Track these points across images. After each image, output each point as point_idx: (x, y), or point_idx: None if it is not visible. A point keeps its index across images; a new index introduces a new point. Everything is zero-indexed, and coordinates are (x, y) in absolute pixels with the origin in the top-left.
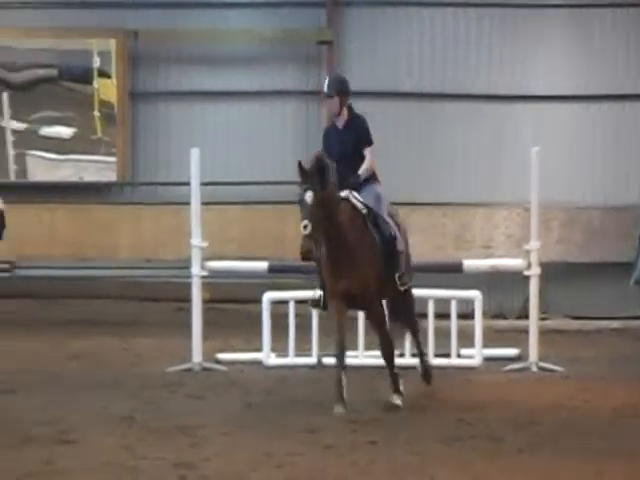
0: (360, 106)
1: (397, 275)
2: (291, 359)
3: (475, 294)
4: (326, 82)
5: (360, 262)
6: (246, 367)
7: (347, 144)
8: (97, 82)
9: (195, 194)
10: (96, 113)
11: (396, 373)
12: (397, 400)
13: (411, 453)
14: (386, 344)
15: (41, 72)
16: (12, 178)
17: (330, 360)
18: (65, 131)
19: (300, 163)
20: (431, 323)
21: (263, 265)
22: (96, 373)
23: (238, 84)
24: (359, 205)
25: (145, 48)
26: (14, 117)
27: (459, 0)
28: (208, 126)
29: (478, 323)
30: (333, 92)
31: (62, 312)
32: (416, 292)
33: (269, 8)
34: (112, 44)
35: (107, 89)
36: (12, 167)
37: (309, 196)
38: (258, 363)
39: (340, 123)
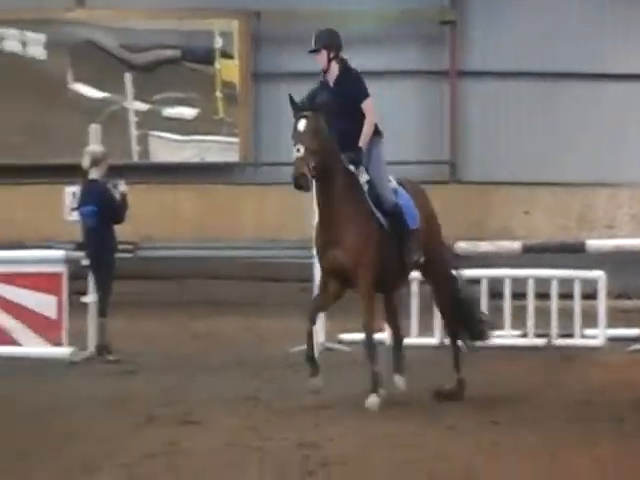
0: (484, 86)
1: (411, 258)
2: (414, 340)
3: (599, 274)
4: (313, 36)
5: (351, 231)
6: None
7: (340, 101)
8: (219, 63)
9: None
10: (218, 94)
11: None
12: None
13: (534, 433)
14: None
15: (164, 53)
16: (135, 159)
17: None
18: (188, 112)
19: (291, 96)
20: (554, 303)
21: None
22: (219, 353)
23: (360, 64)
24: (361, 178)
25: (267, 29)
26: (137, 98)
27: None
28: None
29: (602, 303)
30: (319, 45)
31: (185, 293)
32: (540, 272)
33: None
34: (234, 25)
35: (229, 70)
36: (135, 148)
37: (302, 124)
38: (381, 344)
39: (331, 80)
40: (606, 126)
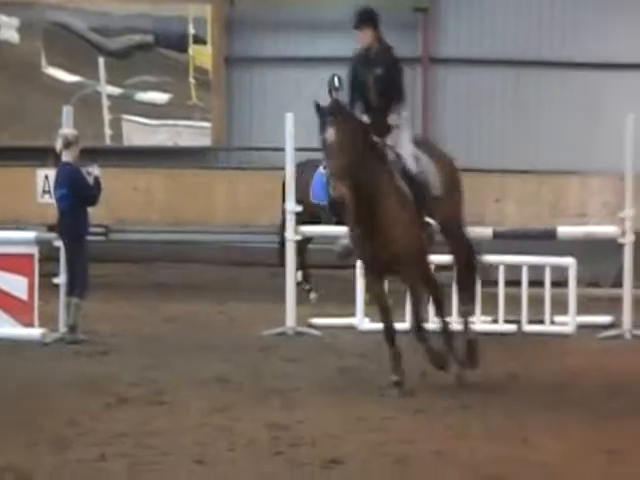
0: (456, 74)
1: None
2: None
3: (569, 261)
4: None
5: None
6: (339, 332)
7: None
8: (192, 49)
9: (290, 159)
10: (191, 79)
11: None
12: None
13: (505, 418)
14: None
15: (136, 38)
16: (108, 143)
17: (426, 326)
18: (160, 97)
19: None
20: (525, 290)
21: None
22: (191, 336)
23: (333, 50)
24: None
25: (240, 14)
26: (110, 82)
27: None
28: (303, 92)
29: (572, 290)
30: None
31: (157, 276)
32: (511, 259)
33: None
34: (208, 10)
35: (202, 56)
36: (108, 132)
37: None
38: (351, 328)
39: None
40: (578, 114)
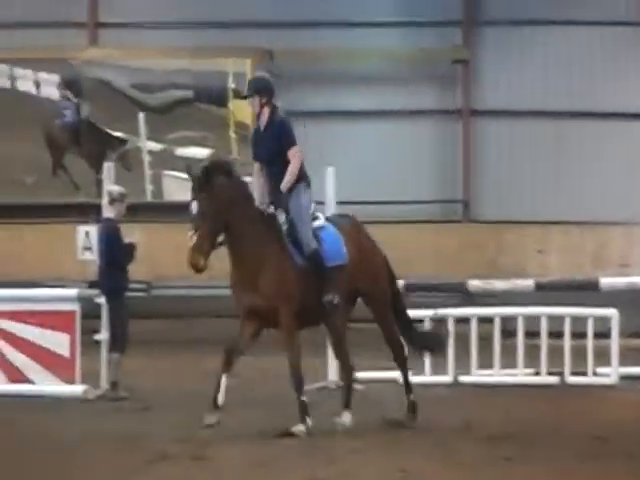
0: (496, 125)
1: (325, 298)
2: (427, 377)
3: (612, 312)
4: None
5: (266, 272)
6: (382, 385)
7: (269, 146)
8: (232, 103)
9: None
10: (232, 134)
11: (303, 401)
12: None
13: (546, 470)
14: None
15: (177, 94)
16: (148, 198)
17: (468, 378)
18: (201, 152)
19: (188, 167)
20: (567, 341)
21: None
22: (229, 390)
23: (374, 104)
24: (279, 218)
25: (281, 68)
26: (150, 138)
27: (593, 19)
28: (343, 145)
29: (615, 341)
30: (251, 92)
31: (198, 331)
32: (553, 310)
33: (405, 28)
34: (247, 64)
35: (243, 110)
36: (148, 187)
37: (194, 206)
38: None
39: (262, 125)
40: (619, 164)
